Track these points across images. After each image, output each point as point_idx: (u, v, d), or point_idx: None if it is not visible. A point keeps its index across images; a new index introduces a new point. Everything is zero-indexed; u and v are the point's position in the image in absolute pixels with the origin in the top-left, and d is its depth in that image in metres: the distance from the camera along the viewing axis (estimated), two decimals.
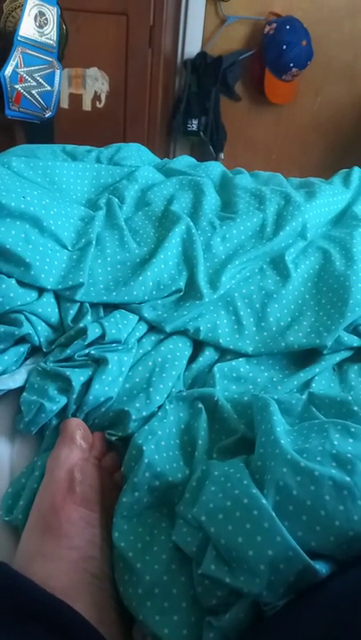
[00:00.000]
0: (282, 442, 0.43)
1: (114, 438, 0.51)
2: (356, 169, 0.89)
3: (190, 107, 1.95)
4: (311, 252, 0.70)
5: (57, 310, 0.58)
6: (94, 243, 0.63)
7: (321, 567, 0.37)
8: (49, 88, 1.60)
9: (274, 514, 0.39)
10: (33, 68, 1.55)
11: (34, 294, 0.57)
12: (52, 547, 0.43)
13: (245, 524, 0.40)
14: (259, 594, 0.36)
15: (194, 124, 1.95)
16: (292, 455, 0.42)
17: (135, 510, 0.45)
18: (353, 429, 0.44)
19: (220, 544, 0.40)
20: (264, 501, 0.40)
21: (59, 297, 0.59)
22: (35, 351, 0.57)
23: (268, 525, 0.39)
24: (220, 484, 0.42)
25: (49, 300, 0.58)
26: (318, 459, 0.42)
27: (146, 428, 0.49)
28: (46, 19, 1.53)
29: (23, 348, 0.55)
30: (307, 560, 0.37)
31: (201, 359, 0.59)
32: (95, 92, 1.70)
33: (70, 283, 0.58)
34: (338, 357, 0.61)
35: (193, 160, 0.90)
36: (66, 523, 0.43)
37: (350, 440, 0.43)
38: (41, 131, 1.68)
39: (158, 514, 0.45)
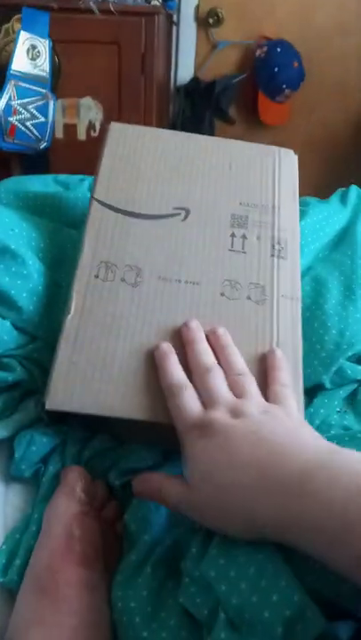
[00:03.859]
0: None
1: (118, 483, 0.48)
2: (353, 187, 0.87)
3: (185, 132, 1.96)
4: (307, 282, 0.64)
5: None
6: None
7: (341, 630, 0.34)
8: (43, 119, 1.61)
9: (290, 569, 0.36)
10: (26, 100, 1.56)
11: (29, 337, 0.55)
12: (49, 612, 0.39)
13: (260, 581, 0.36)
14: None
15: None
16: None
17: (140, 568, 0.41)
18: None
19: (232, 604, 0.36)
20: (280, 555, 0.36)
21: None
22: (28, 394, 0.54)
23: (285, 583, 0.35)
24: (231, 538, 0.39)
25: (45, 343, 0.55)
26: None
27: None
28: (38, 51, 1.55)
29: (16, 394, 0.52)
30: (326, 623, 0.34)
31: None
32: (90, 122, 1.71)
33: None
34: (343, 392, 0.57)
35: None
36: (64, 585, 0.40)
37: None
38: (36, 162, 1.68)
39: (164, 572, 0.41)
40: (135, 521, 0.44)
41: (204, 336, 0.47)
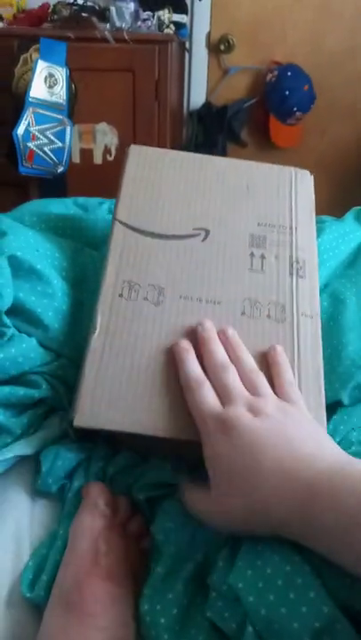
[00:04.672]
0: None
1: (142, 497, 0.49)
2: None
3: None
4: (324, 298, 0.65)
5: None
6: None
7: None
8: (60, 144, 1.65)
9: (320, 581, 0.36)
10: (44, 126, 1.60)
11: (54, 354, 0.55)
12: (76, 628, 0.39)
13: (289, 593, 0.36)
14: None
15: None
16: None
17: (168, 583, 0.41)
18: None
19: (260, 615, 0.36)
20: (308, 568, 0.37)
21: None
22: (51, 411, 0.55)
23: (315, 595, 0.36)
24: (258, 550, 0.39)
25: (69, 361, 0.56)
26: None
27: None
28: (56, 79, 1.59)
29: (41, 410, 0.53)
30: (356, 634, 0.34)
31: None
32: (105, 146, 1.75)
33: None
34: None
35: None
36: (90, 601, 0.40)
37: None
38: (54, 186, 1.72)
39: (194, 588, 0.42)
40: (162, 532, 0.44)
41: (217, 336, 0.49)
